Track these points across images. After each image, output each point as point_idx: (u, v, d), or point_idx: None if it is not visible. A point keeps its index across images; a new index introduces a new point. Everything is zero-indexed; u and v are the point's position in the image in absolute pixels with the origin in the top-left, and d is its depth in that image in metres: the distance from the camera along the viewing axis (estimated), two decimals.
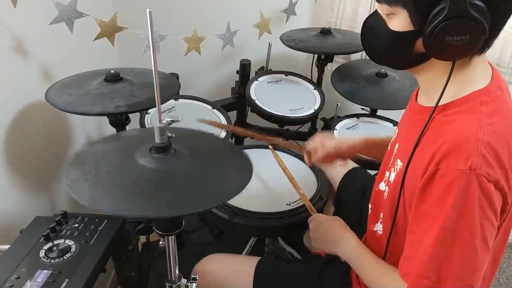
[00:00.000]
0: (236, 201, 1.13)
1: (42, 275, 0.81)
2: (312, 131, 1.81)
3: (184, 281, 0.87)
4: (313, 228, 1.02)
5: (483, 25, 0.64)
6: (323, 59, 1.72)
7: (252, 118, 1.70)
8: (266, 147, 1.36)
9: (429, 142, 0.72)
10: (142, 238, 1.41)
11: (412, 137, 0.76)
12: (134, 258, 1.16)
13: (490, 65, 0.77)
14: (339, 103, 1.65)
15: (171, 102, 1.45)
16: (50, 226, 0.93)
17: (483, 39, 0.66)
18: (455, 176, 0.65)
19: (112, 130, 1.21)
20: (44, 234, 0.91)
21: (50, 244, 0.89)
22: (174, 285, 0.85)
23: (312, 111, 1.56)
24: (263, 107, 1.53)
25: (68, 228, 0.96)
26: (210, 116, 1.46)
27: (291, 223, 1.12)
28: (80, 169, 0.73)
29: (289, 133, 1.81)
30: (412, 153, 0.75)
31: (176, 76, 1.53)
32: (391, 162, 0.87)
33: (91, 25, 1.23)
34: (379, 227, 0.91)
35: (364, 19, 0.81)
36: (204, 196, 0.69)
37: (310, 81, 1.73)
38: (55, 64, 1.32)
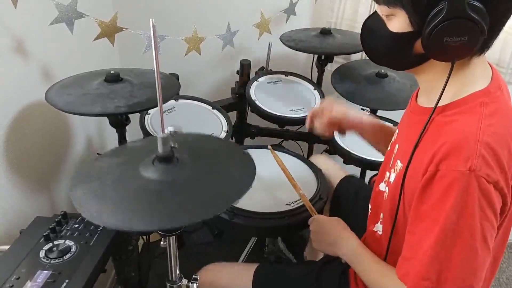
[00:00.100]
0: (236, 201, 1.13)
1: (42, 276, 0.81)
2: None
3: (185, 281, 0.87)
4: (313, 229, 1.02)
5: (481, 26, 0.64)
6: (323, 59, 1.72)
7: (252, 119, 1.70)
8: (266, 147, 1.36)
9: (429, 142, 0.72)
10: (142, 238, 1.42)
11: (412, 137, 0.76)
12: (134, 258, 1.17)
13: (490, 66, 0.77)
14: None
15: (171, 102, 1.45)
16: (50, 227, 0.93)
17: (482, 40, 0.66)
18: (454, 177, 0.65)
19: (112, 130, 1.21)
20: (44, 234, 0.91)
21: (50, 244, 0.89)
22: (175, 285, 0.85)
23: None
24: (263, 107, 1.53)
25: (68, 228, 0.96)
26: (210, 116, 1.46)
27: (291, 223, 1.12)
28: (85, 184, 0.73)
29: (289, 133, 1.81)
30: (412, 154, 0.75)
31: (176, 76, 1.53)
32: (391, 162, 0.87)
33: (91, 26, 1.23)
34: (379, 228, 0.91)
35: (364, 19, 0.81)
36: (208, 203, 0.69)
37: (310, 81, 1.73)
38: (55, 64, 1.32)
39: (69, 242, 0.91)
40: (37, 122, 1.25)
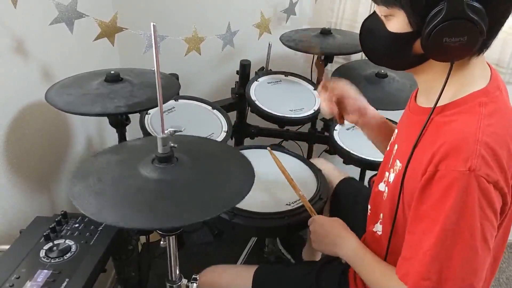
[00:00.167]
0: None
1: (42, 275, 0.81)
2: (312, 131, 1.81)
3: (184, 281, 0.87)
4: (313, 230, 1.02)
5: (480, 26, 0.64)
6: (323, 60, 1.72)
7: (252, 119, 1.70)
8: (266, 147, 1.37)
9: (428, 143, 0.72)
10: (142, 238, 1.42)
11: (411, 137, 0.76)
12: (134, 258, 1.17)
13: (489, 66, 0.77)
14: None
15: (171, 102, 1.45)
16: (50, 226, 0.93)
17: (481, 40, 0.66)
18: (454, 177, 0.65)
19: (112, 130, 1.21)
20: (44, 234, 0.91)
21: (50, 244, 0.89)
22: (175, 285, 0.85)
23: (312, 111, 1.56)
24: (263, 107, 1.53)
25: (68, 228, 0.96)
26: (210, 117, 1.46)
27: (291, 223, 1.12)
28: (84, 181, 0.73)
29: (289, 133, 1.81)
30: (411, 154, 0.75)
31: (176, 76, 1.53)
32: (390, 162, 0.87)
33: (91, 26, 1.24)
34: (378, 228, 0.91)
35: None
36: (207, 204, 0.69)
37: (310, 81, 1.73)
38: (55, 64, 1.32)
39: (69, 242, 0.91)
40: (37, 122, 1.25)
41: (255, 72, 1.73)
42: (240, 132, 1.79)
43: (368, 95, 1.56)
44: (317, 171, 1.31)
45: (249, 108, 1.64)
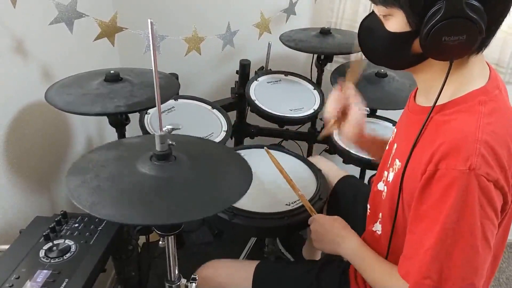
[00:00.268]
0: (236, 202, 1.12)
1: (42, 275, 0.81)
2: (312, 131, 1.81)
3: (183, 281, 0.87)
4: (314, 229, 1.02)
5: (479, 25, 0.64)
6: (323, 59, 1.72)
7: (252, 118, 1.70)
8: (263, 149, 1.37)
9: (427, 142, 0.72)
10: (142, 238, 1.42)
11: (411, 137, 0.76)
12: (134, 258, 1.17)
13: (488, 65, 0.77)
14: None
15: (171, 102, 1.45)
16: (50, 226, 0.93)
17: (480, 39, 0.66)
18: (454, 177, 0.65)
19: (112, 130, 1.21)
20: (44, 234, 0.91)
21: (50, 244, 0.89)
22: (173, 285, 0.85)
23: (311, 111, 1.56)
24: (262, 107, 1.53)
25: (68, 228, 0.96)
26: (210, 116, 1.46)
27: (291, 224, 1.12)
28: (81, 175, 0.73)
29: (289, 133, 1.81)
30: (411, 153, 0.75)
31: (175, 76, 1.53)
32: (390, 162, 0.87)
33: (91, 26, 1.24)
34: (378, 227, 0.91)
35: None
36: (205, 202, 0.69)
37: (309, 81, 1.73)
38: (55, 64, 1.32)
39: (69, 242, 0.91)
40: (37, 122, 1.25)
41: (255, 71, 1.73)
42: (240, 132, 1.79)
43: (368, 95, 1.55)
44: (317, 171, 1.31)
45: (249, 107, 1.64)
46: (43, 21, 1.16)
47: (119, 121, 1.18)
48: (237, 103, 1.72)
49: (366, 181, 1.56)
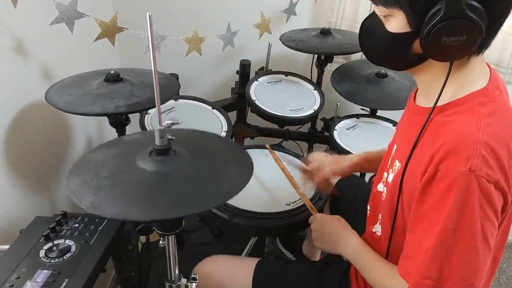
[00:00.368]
0: (236, 201, 1.13)
1: (42, 275, 0.81)
2: (312, 131, 1.81)
3: (184, 281, 0.87)
4: (315, 228, 1.02)
5: (479, 26, 0.64)
6: (323, 59, 1.72)
7: (252, 118, 1.70)
8: (265, 147, 1.37)
9: (427, 143, 0.72)
10: (142, 238, 1.42)
11: (411, 138, 0.76)
12: (134, 258, 1.17)
13: (488, 66, 0.77)
14: (339, 104, 1.65)
15: (171, 102, 1.45)
16: (50, 226, 0.93)
17: (480, 40, 0.66)
18: (455, 178, 0.65)
19: (112, 130, 1.21)
20: (44, 234, 0.91)
21: (50, 244, 0.89)
22: (174, 285, 0.85)
23: (312, 111, 1.56)
24: (263, 107, 1.54)
25: (68, 228, 0.96)
26: (210, 116, 1.46)
27: (291, 223, 1.12)
28: (81, 175, 0.73)
29: (289, 133, 1.81)
30: (411, 154, 0.75)
31: (176, 76, 1.54)
32: (389, 163, 0.87)
33: (92, 26, 1.24)
34: (377, 228, 0.91)
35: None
36: (204, 196, 0.69)
37: (310, 81, 1.73)
38: (55, 64, 1.32)
39: (69, 242, 0.91)
40: (37, 122, 1.25)
41: (255, 72, 1.73)
42: (240, 132, 1.79)
43: (368, 95, 1.57)
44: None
45: (249, 108, 1.64)
46: (43, 21, 1.16)
47: (119, 121, 1.18)
48: (237, 103, 1.72)
49: (366, 181, 1.56)
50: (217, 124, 1.42)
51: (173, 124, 0.77)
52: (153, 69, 0.71)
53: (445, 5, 0.64)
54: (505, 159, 0.67)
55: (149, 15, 0.67)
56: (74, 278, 0.81)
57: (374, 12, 0.77)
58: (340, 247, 0.95)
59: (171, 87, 1.22)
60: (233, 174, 0.78)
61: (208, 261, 1.10)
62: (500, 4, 0.67)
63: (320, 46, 1.61)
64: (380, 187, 0.90)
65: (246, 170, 0.77)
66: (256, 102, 1.55)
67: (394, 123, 1.59)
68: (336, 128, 1.54)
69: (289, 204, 1.16)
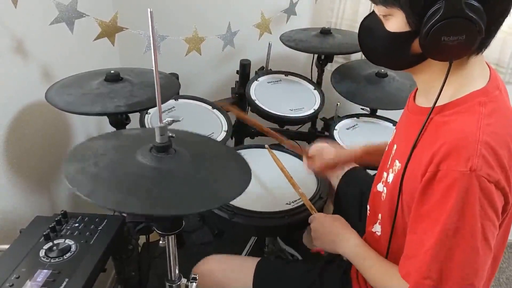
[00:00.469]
0: (236, 201, 1.12)
1: (42, 275, 0.81)
2: (312, 131, 1.81)
3: (184, 280, 0.87)
4: (314, 228, 1.02)
5: (479, 25, 0.64)
6: (323, 59, 1.72)
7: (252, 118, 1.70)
8: (265, 147, 1.37)
9: (427, 143, 0.72)
10: (142, 238, 1.42)
11: (410, 138, 0.76)
12: (134, 258, 1.16)
13: (488, 66, 0.77)
14: (339, 103, 1.65)
15: (171, 102, 1.45)
16: (50, 226, 0.93)
17: (479, 39, 0.66)
18: (455, 178, 0.65)
19: (112, 130, 1.21)
20: (44, 233, 0.91)
21: (50, 243, 0.89)
22: (174, 285, 0.85)
23: (312, 111, 1.56)
24: (263, 107, 1.54)
25: (68, 227, 0.96)
26: (210, 116, 1.46)
27: (291, 223, 1.12)
28: (79, 162, 0.73)
29: (289, 133, 1.81)
30: (410, 154, 0.75)
31: (176, 76, 1.54)
32: (389, 163, 0.87)
33: (92, 25, 1.24)
34: (377, 228, 0.91)
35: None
36: (203, 197, 0.69)
37: (310, 81, 1.73)
38: (55, 64, 1.32)
39: (69, 241, 0.91)
40: (37, 122, 1.25)
41: (255, 71, 1.73)
42: (240, 131, 1.79)
43: (368, 95, 1.57)
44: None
45: (249, 107, 1.64)
46: (43, 21, 1.16)
47: (119, 121, 1.18)
48: (237, 103, 1.72)
49: None
50: (217, 123, 1.42)
51: (173, 121, 0.77)
52: (154, 66, 0.71)
53: (444, 4, 0.64)
54: (505, 159, 0.67)
55: (150, 12, 0.67)
56: (74, 277, 0.81)
57: (373, 11, 0.77)
58: (339, 246, 0.95)
59: (171, 87, 1.22)
60: (233, 178, 0.78)
61: (208, 260, 1.10)
62: (500, 3, 0.67)
63: (320, 46, 1.61)
64: (380, 187, 0.90)
65: (245, 175, 0.78)
66: (256, 101, 1.55)
67: (394, 122, 1.59)
68: (336, 128, 1.55)
69: (290, 203, 1.17)
